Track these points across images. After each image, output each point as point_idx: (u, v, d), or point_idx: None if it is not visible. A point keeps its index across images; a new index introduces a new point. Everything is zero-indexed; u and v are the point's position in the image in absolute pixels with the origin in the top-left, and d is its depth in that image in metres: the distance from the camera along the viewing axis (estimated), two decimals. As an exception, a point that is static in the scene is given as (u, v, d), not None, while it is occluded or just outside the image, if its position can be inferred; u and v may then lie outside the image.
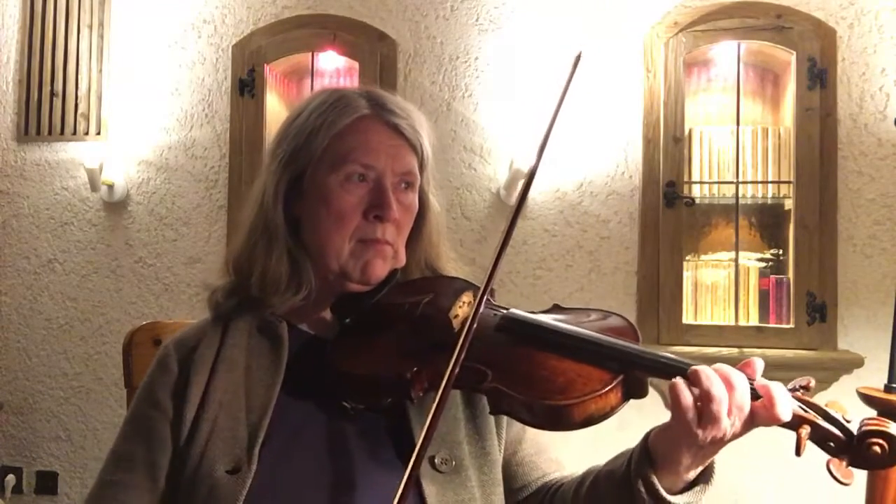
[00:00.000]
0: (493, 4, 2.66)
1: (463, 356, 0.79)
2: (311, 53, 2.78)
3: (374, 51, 2.68)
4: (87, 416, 2.90)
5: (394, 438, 0.93)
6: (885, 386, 1.76)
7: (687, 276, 2.52)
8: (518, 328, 0.91)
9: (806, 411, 0.80)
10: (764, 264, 2.54)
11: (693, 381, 0.79)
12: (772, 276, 2.51)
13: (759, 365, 0.83)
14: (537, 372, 0.86)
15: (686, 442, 0.80)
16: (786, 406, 0.78)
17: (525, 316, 0.93)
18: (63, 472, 2.91)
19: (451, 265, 1.09)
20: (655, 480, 0.82)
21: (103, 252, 2.90)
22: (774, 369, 2.50)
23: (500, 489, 0.97)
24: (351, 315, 0.99)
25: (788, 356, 2.36)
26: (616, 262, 2.57)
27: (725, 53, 2.60)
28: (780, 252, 2.56)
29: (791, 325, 2.41)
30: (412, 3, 2.71)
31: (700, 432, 0.78)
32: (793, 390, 0.83)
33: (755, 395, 0.80)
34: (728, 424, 0.78)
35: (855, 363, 2.33)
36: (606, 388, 0.81)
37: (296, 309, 1.01)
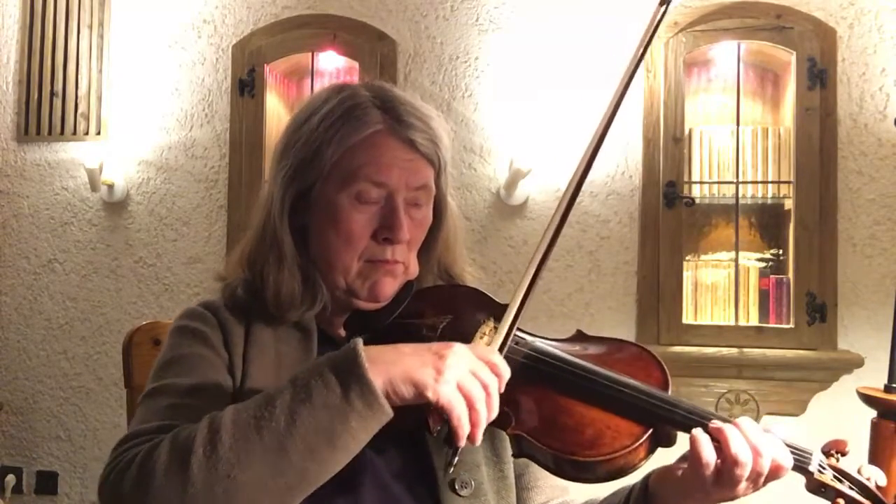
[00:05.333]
0: (493, 4, 2.66)
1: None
2: (311, 53, 2.78)
3: (374, 51, 2.68)
4: (87, 416, 2.90)
5: (412, 464, 0.91)
6: (885, 386, 1.75)
7: (687, 276, 2.52)
8: (544, 368, 0.86)
9: (840, 482, 0.79)
10: (764, 264, 2.54)
11: (719, 440, 0.77)
12: (772, 276, 2.51)
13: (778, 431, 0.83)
14: (564, 420, 0.82)
15: (696, 497, 0.79)
16: (789, 461, 0.79)
17: (552, 353, 0.88)
18: (63, 472, 2.91)
19: (468, 270, 1.06)
20: None
21: (103, 252, 2.90)
22: (774, 369, 2.51)
23: None
24: (365, 333, 0.93)
25: (788, 356, 2.36)
26: (616, 262, 2.57)
27: (725, 53, 2.59)
28: (780, 252, 2.56)
29: (791, 325, 2.41)
30: (412, 3, 2.71)
31: (714, 490, 0.77)
32: (827, 454, 0.82)
33: None
34: (744, 487, 0.77)
35: (855, 363, 2.33)
36: (636, 444, 0.78)
37: (317, 315, 0.98)
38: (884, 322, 2.20)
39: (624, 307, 2.54)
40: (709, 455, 0.76)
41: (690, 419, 0.79)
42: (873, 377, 2.11)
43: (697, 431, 0.77)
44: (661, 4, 0.88)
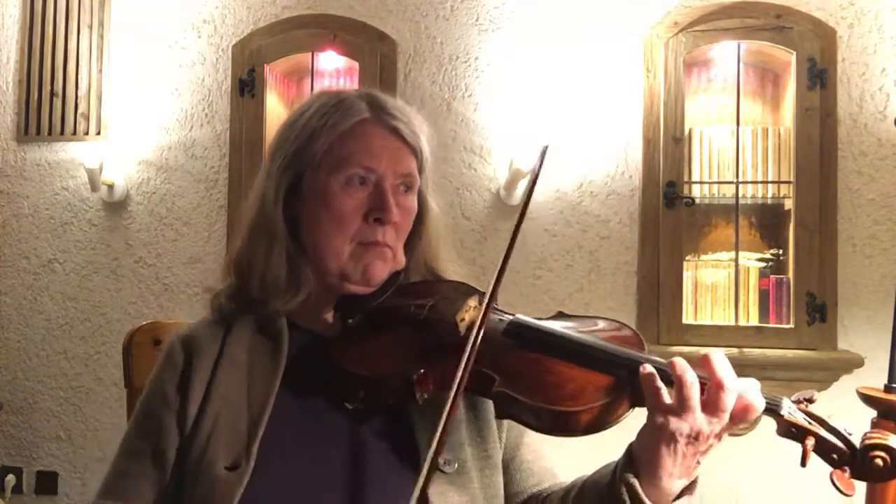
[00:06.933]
0: (493, 4, 2.66)
1: (472, 363, 0.79)
2: (311, 53, 2.77)
3: (374, 51, 2.68)
4: (87, 416, 2.90)
5: (395, 441, 0.93)
6: (885, 386, 1.76)
7: (687, 276, 2.52)
8: (526, 333, 0.92)
9: (811, 423, 0.81)
10: (764, 264, 2.54)
11: (673, 371, 0.79)
12: (772, 276, 2.51)
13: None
14: (545, 378, 0.86)
15: (663, 438, 0.79)
16: (760, 402, 0.79)
17: (532, 322, 0.93)
18: (63, 472, 2.91)
19: (452, 267, 1.10)
20: (636, 484, 0.82)
21: (103, 252, 2.90)
22: (774, 369, 2.51)
23: (501, 493, 0.97)
24: (355, 315, 1.00)
25: (788, 356, 2.36)
26: (616, 262, 2.57)
27: (725, 53, 2.59)
28: (780, 252, 2.56)
29: (791, 325, 2.41)
30: (412, 3, 2.71)
31: (674, 421, 0.78)
32: (797, 402, 0.84)
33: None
34: (704, 420, 0.78)
35: (855, 363, 2.33)
36: (614, 396, 0.82)
37: (298, 309, 1.01)
38: (884, 322, 2.20)
39: (624, 307, 2.54)
40: (657, 381, 0.79)
41: (665, 372, 0.81)
42: (873, 377, 2.12)
43: (646, 366, 0.81)
44: (542, 153, 0.96)
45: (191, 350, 1.00)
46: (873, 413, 1.72)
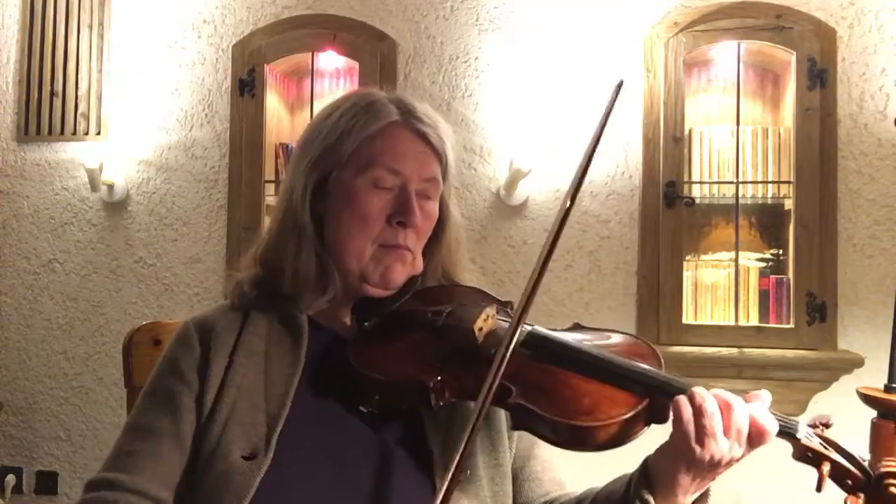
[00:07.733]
0: (493, 4, 2.66)
1: (497, 380, 0.78)
2: (311, 53, 2.77)
3: (374, 51, 2.68)
4: (87, 416, 2.90)
5: (408, 445, 0.93)
6: (885, 386, 1.75)
7: (687, 276, 2.52)
8: (544, 345, 0.91)
9: (826, 448, 0.81)
10: (764, 264, 2.54)
11: (690, 398, 0.80)
12: (772, 276, 2.51)
13: (766, 398, 0.85)
14: (562, 391, 0.85)
15: (684, 459, 0.80)
16: (774, 425, 0.81)
17: (550, 334, 0.93)
18: (63, 472, 2.91)
19: (468, 275, 1.10)
20: (652, 501, 0.83)
21: (103, 252, 2.90)
22: (774, 369, 2.51)
23: (510, 502, 0.98)
24: (371, 318, 1.00)
25: (788, 356, 2.36)
26: (616, 262, 2.57)
27: (725, 53, 2.59)
28: (780, 252, 2.56)
29: (791, 325, 2.41)
30: (412, 3, 2.71)
31: (698, 448, 0.79)
32: (813, 426, 0.84)
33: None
34: (726, 445, 0.79)
35: (855, 363, 2.33)
36: (631, 413, 0.81)
37: (320, 309, 1.02)
38: (884, 322, 2.20)
39: (624, 307, 2.54)
40: (686, 411, 0.80)
41: (685, 391, 0.83)
42: (873, 377, 2.12)
43: (679, 395, 0.82)
44: (617, 88, 0.95)
45: (207, 335, 0.99)
46: (873, 413, 1.71)
